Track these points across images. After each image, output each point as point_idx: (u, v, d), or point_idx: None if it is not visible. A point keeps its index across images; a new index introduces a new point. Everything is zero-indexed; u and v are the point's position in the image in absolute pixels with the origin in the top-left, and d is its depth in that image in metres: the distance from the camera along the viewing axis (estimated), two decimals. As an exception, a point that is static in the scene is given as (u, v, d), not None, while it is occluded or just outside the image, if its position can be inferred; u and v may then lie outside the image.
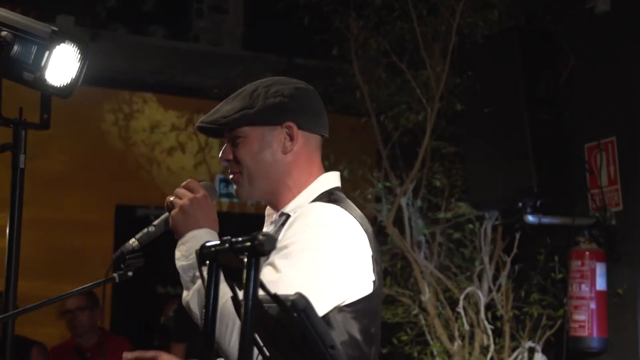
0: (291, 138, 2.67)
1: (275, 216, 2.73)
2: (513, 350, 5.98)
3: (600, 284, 5.58)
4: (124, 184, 7.55)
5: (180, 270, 2.65)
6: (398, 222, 6.22)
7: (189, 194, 2.66)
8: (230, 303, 2.35)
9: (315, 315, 2.45)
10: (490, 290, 6.03)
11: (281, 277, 2.46)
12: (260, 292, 1.94)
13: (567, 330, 5.70)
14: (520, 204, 5.69)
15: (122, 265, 2.88)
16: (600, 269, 5.58)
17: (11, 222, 2.92)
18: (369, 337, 2.62)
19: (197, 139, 7.44)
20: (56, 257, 7.12)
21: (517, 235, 5.99)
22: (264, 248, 2.16)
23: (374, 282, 2.59)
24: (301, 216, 2.55)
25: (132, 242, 2.73)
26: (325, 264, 2.49)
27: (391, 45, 6.21)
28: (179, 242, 2.65)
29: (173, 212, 2.68)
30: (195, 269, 2.52)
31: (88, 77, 3.02)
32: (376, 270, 2.60)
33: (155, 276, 7.56)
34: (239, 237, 2.21)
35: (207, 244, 2.37)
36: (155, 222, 2.78)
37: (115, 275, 2.85)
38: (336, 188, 2.72)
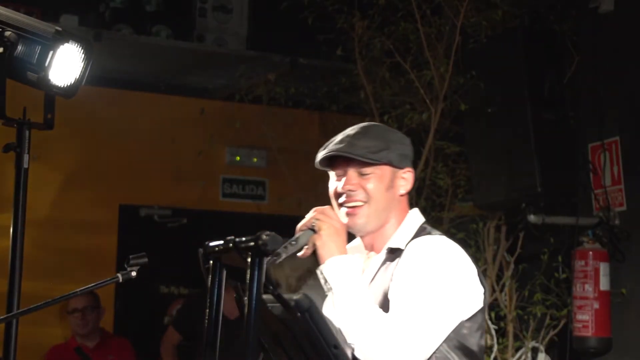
0: (407, 182, 3.03)
1: (382, 251, 3.00)
2: (516, 350, 5.98)
3: (604, 284, 5.58)
4: (127, 183, 7.55)
5: (334, 288, 2.84)
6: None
7: (333, 221, 2.90)
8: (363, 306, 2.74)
9: (319, 315, 2.46)
10: (493, 290, 6.03)
11: (418, 302, 2.75)
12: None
13: (571, 330, 5.69)
14: (523, 204, 5.68)
15: (125, 266, 2.88)
16: (603, 269, 5.58)
17: (15, 222, 2.92)
18: (482, 349, 2.93)
19: (201, 140, 7.43)
20: (60, 257, 7.12)
21: (521, 235, 5.99)
22: (267, 248, 2.16)
23: (484, 293, 2.92)
24: (417, 249, 2.87)
25: (282, 252, 2.80)
26: (448, 288, 2.80)
27: (395, 45, 6.21)
28: (330, 263, 2.85)
29: (323, 234, 2.87)
30: (349, 290, 2.79)
31: (92, 77, 3.02)
32: (483, 284, 2.93)
33: (159, 276, 7.57)
34: (242, 237, 2.21)
35: (211, 244, 2.37)
36: (298, 239, 2.88)
37: (118, 275, 2.85)
38: (424, 222, 3.06)
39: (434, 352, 2.78)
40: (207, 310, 2.46)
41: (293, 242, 2.86)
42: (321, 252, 2.87)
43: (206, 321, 2.44)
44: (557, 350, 5.95)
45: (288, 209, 7.26)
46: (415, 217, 3.05)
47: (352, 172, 2.97)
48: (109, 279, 2.87)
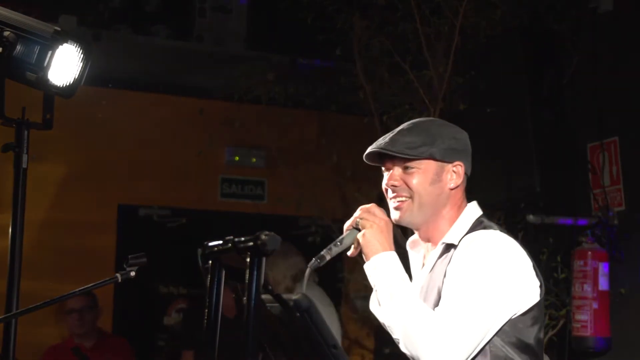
0: (458, 176, 3.05)
1: (438, 246, 3.05)
2: (516, 350, 5.97)
3: (603, 283, 5.58)
4: (126, 183, 7.54)
5: (376, 286, 2.95)
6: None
7: (376, 218, 2.97)
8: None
9: (318, 315, 2.46)
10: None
11: (467, 297, 2.80)
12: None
13: (570, 330, 5.69)
14: (522, 204, 5.69)
15: (124, 266, 2.88)
16: (602, 269, 5.58)
17: (14, 222, 2.92)
18: (540, 343, 2.95)
19: (200, 140, 7.43)
20: (59, 257, 7.11)
21: (520, 235, 5.99)
22: (266, 247, 2.16)
23: (540, 287, 2.94)
24: (470, 244, 2.91)
25: (326, 254, 2.94)
26: (500, 283, 2.84)
27: (394, 45, 6.21)
28: (373, 262, 2.94)
29: (366, 232, 2.95)
30: (392, 287, 2.87)
31: (91, 76, 3.02)
32: (539, 277, 2.96)
33: (158, 276, 7.56)
34: (241, 237, 2.21)
35: (210, 244, 2.37)
36: (343, 239, 2.98)
37: (117, 275, 2.85)
38: (482, 215, 3.09)
39: (490, 347, 2.84)
40: (206, 310, 2.46)
41: (338, 243, 2.96)
42: (365, 250, 2.95)
43: (205, 321, 2.44)
44: (556, 350, 5.95)
45: (287, 208, 7.27)
46: (472, 211, 3.09)
47: (396, 168, 3.04)
48: (108, 279, 2.87)
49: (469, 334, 2.75)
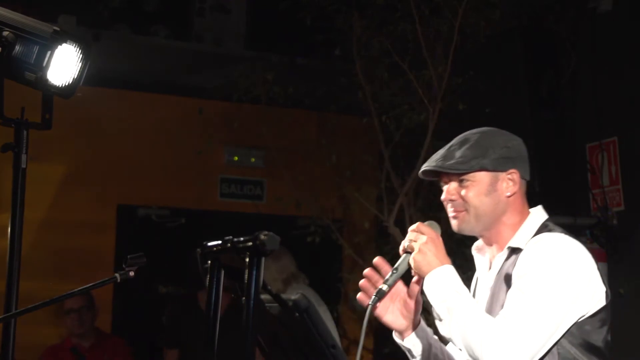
0: (514, 183, 3.10)
1: (504, 250, 3.09)
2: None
3: (602, 284, 5.57)
4: (125, 184, 7.54)
5: (433, 303, 3.00)
6: (400, 222, 6.23)
7: (423, 237, 3.00)
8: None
9: (317, 315, 2.46)
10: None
11: (530, 300, 2.83)
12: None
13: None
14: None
15: (124, 266, 2.88)
16: (601, 269, 5.57)
17: (13, 222, 2.92)
18: (607, 345, 2.98)
19: (199, 140, 7.43)
20: (58, 257, 7.11)
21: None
22: (265, 247, 2.16)
23: (606, 292, 2.98)
24: (535, 246, 2.96)
25: (384, 287, 2.98)
26: (565, 285, 2.87)
27: (393, 45, 6.21)
28: (426, 280, 2.99)
29: (414, 255, 2.99)
30: (448, 301, 2.94)
31: (90, 77, 3.02)
32: (605, 283, 3.00)
33: (157, 276, 7.56)
34: (240, 237, 2.21)
35: (209, 244, 2.37)
36: (398, 265, 3.03)
37: (116, 275, 2.85)
38: (547, 219, 3.13)
39: (558, 349, 2.87)
40: (205, 310, 2.46)
41: (394, 271, 3.00)
42: (419, 273, 3.01)
43: (203, 321, 2.44)
44: (555, 350, 5.94)
45: (286, 208, 7.27)
46: (538, 216, 3.13)
47: (452, 183, 3.11)
48: (107, 279, 2.87)
49: (532, 336, 2.79)
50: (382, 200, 6.45)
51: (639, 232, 5.64)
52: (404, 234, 6.31)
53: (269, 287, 2.38)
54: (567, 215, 5.77)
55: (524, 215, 3.13)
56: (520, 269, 2.92)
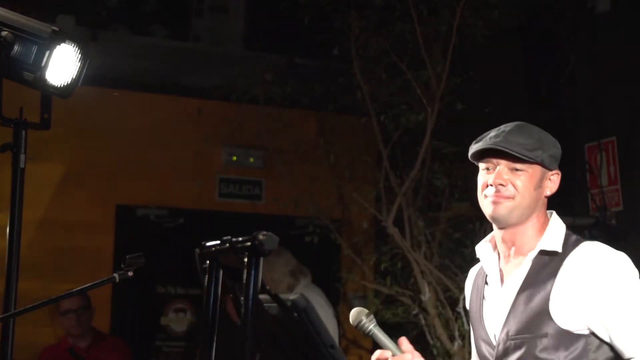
0: (554, 184, 3.13)
1: (531, 254, 3.03)
2: (513, 350, 5.97)
3: (601, 284, 5.57)
4: (124, 184, 7.54)
5: None
6: (398, 222, 6.23)
7: None
8: None
9: (316, 315, 2.46)
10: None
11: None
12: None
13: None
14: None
15: (122, 266, 2.88)
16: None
17: (11, 222, 2.92)
18: None
19: (197, 140, 7.43)
20: (56, 257, 7.10)
21: (518, 235, 5.97)
22: (264, 247, 2.16)
23: None
24: (597, 264, 2.91)
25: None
26: None
27: (392, 45, 6.21)
28: None
29: None
30: None
31: (88, 77, 3.01)
32: None
33: (156, 276, 7.56)
34: (239, 237, 2.21)
35: (207, 244, 2.37)
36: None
37: (115, 275, 2.85)
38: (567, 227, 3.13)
39: None
40: (203, 310, 2.46)
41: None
42: None
43: (202, 321, 2.44)
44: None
45: (284, 208, 7.27)
46: (559, 222, 3.14)
47: (504, 167, 3.03)
48: (105, 279, 2.86)
49: None
50: (380, 200, 6.45)
51: (638, 232, 5.63)
52: (402, 234, 6.34)
53: (268, 287, 2.38)
54: (565, 215, 5.76)
55: (546, 218, 3.12)
56: (601, 296, 2.87)
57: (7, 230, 2.92)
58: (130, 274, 2.87)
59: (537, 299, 2.92)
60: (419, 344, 6.10)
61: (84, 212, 7.32)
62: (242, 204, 7.95)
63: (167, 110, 7.67)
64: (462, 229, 6.16)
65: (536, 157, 3.01)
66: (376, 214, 6.53)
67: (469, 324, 3.23)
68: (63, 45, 2.92)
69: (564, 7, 5.96)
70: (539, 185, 3.06)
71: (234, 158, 7.94)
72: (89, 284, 2.89)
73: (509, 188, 3.01)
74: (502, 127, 3.07)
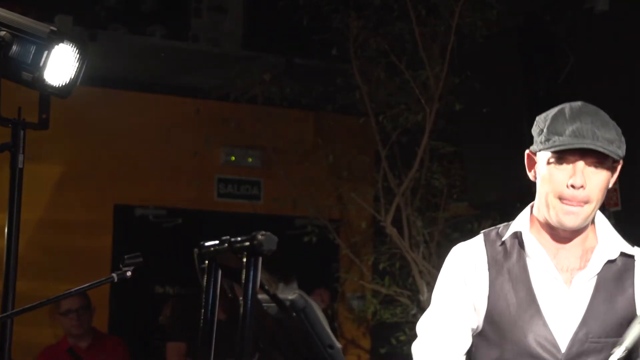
0: (616, 174, 2.74)
1: (600, 257, 2.80)
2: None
3: (599, 284, 5.57)
4: (122, 184, 7.54)
5: None
6: (397, 222, 6.23)
7: None
8: None
9: (315, 315, 2.46)
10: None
11: None
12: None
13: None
14: (518, 204, 5.67)
15: (121, 265, 2.88)
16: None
17: (10, 222, 2.92)
18: None
19: (196, 140, 7.43)
20: (55, 257, 7.11)
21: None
22: (263, 247, 2.16)
23: None
24: None
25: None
26: None
27: (390, 45, 6.22)
28: None
29: None
30: None
31: (87, 76, 3.01)
32: None
33: (154, 276, 7.56)
34: (237, 237, 2.21)
35: (206, 244, 2.37)
36: None
37: (113, 275, 2.85)
38: None
39: None
40: (202, 311, 2.46)
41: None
42: None
43: (201, 321, 2.44)
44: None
45: (283, 208, 7.28)
46: (604, 219, 2.88)
47: (583, 165, 2.65)
48: (104, 278, 2.86)
49: None
50: (379, 200, 6.45)
51: (637, 232, 5.62)
52: (401, 234, 6.35)
53: (267, 287, 2.38)
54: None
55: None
56: None
57: (6, 230, 2.92)
58: (128, 274, 2.86)
59: (621, 303, 2.75)
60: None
61: (82, 212, 7.32)
62: (241, 204, 7.95)
63: (166, 110, 7.67)
64: (460, 229, 6.16)
65: (622, 153, 2.67)
66: (375, 214, 6.53)
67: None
68: (61, 45, 2.93)
69: (562, 7, 5.96)
70: (608, 182, 2.70)
71: (233, 158, 7.94)
72: (87, 284, 2.89)
73: (587, 192, 2.66)
74: (583, 116, 2.71)
